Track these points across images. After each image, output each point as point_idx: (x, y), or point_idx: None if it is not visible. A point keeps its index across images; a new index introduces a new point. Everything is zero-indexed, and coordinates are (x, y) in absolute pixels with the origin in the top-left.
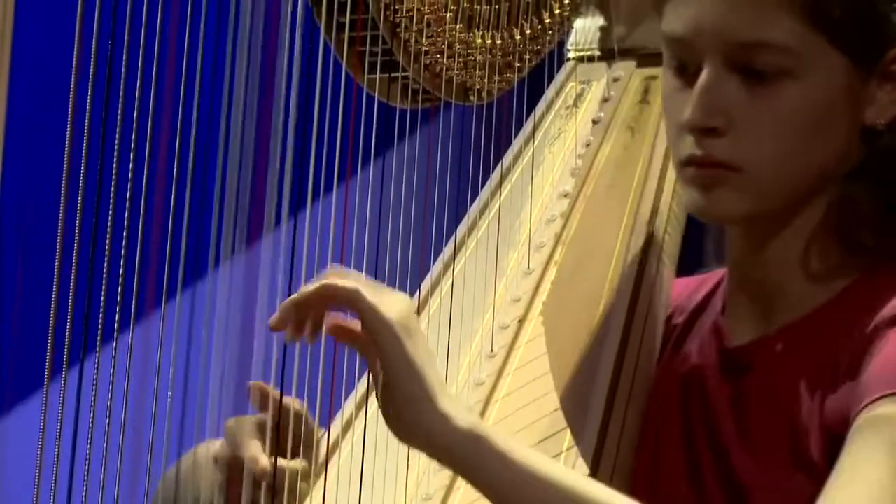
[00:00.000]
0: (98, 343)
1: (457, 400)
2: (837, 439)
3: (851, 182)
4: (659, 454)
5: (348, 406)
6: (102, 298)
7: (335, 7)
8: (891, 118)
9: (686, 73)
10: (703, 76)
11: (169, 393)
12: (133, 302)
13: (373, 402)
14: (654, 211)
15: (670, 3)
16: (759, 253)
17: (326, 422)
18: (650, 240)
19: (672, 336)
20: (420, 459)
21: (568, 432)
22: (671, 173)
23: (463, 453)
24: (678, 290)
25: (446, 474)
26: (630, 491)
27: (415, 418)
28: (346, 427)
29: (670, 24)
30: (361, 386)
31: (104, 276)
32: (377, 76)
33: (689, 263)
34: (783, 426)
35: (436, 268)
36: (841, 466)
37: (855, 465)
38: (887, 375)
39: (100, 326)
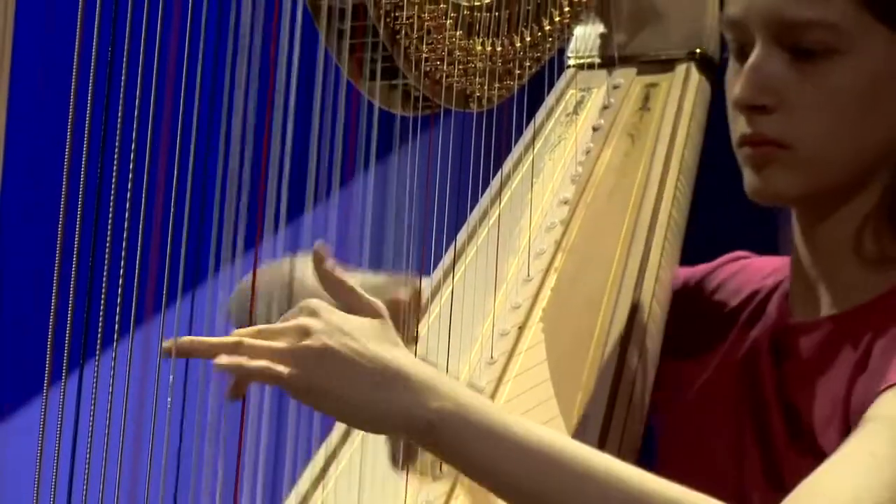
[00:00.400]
0: (98, 347)
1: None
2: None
3: None
4: (704, 428)
5: None
6: (102, 303)
7: (335, 14)
8: None
9: (743, 56)
10: (753, 54)
11: (169, 399)
12: (133, 306)
13: None
14: (655, 217)
15: None
16: (815, 237)
17: (326, 430)
18: (650, 246)
19: (743, 316)
20: (420, 467)
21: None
22: (671, 180)
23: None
24: (759, 269)
25: (446, 482)
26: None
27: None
28: (346, 435)
29: (728, 9)
30: None
31: (104, 280)
32: (377, 83)
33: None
34: (816, 413)
35: (436, 275)
36: (843, 446)
37: (856, 443)
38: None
39: (100, 331)
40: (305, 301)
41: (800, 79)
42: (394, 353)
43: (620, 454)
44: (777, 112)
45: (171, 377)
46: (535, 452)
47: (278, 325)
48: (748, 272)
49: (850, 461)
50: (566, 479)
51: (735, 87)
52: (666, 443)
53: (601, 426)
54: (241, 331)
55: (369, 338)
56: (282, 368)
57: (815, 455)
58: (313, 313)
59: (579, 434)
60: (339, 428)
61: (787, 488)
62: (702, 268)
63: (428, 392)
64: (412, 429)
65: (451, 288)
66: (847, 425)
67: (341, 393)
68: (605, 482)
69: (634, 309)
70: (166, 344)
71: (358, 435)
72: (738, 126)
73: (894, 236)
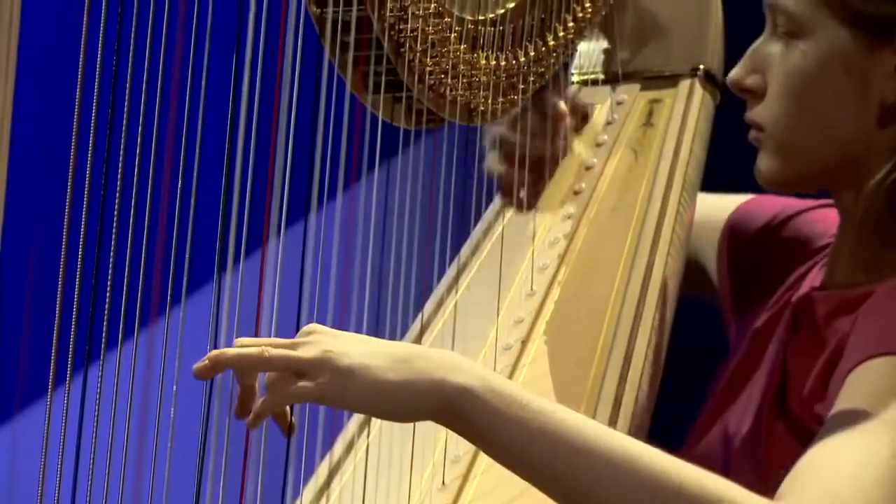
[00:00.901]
0: (102, 351)
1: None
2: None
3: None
4: (726, 399)
5: (351, 427)
6: (107, 307)
7: (339, 26)
8: None
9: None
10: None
11: (172, 409)
12: (137, 310)
13: (375, 422)
14: (658, 232)
15: None
16: (840, 213)
17: (329, 442)
18: (653, 261)
19: (795, 274)
20: (423, 479)
21: None
22: (674, 195)
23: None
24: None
25: (449, 493)
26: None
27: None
28: (349, 448)
29: None
30: None
31: (108, 284)
32: (381, 96)
33: None
34: (806, 390)
35: (439, 289)
36: (831, 417)
37: (842, 413)
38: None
39: (104, 334)
40: (305, 327)
41: (774, 62)
42: (403, 344)
43: None
44: (760, 95)
45: (174, 387)
46: (563, 435)
47: (287, 340)
48: (826, 224)
49: (846, 437)
50: (595, 464)
51: None
52: (702, 413)
53: None
54: (247, 340)
55: (373, 339)
56: (307, 383)
57: (796, 434)
58: (313, 332)
59: None
60: (341, 442)
61: (764, 465)
62: (797, 204)
63: (450, 368)
64: (438, 406)
65: (454, 302)
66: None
67: (365, 385)
68: (632, 470)
69: (637, 324)
70: (197, 366)
71: (361, 448)
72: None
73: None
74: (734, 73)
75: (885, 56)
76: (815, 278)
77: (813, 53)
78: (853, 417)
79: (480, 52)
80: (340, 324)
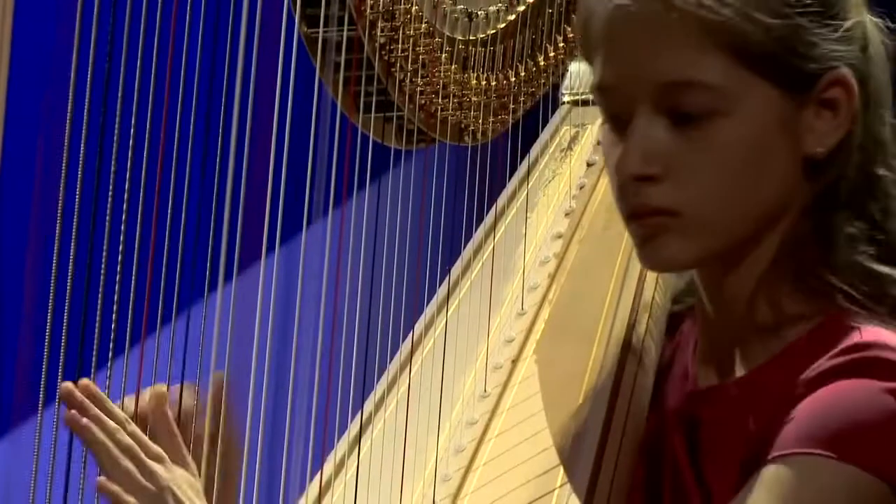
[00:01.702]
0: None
1: None
2: None
3: (801, 221)
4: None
5: (341, 446)
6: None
7: (331, 47)
8: (831, 146)
9: (620, 125)
10: (634, 123)
11: None
12: (128, 327)
13: (366, 441)
14: None
15: (597, 56)
16: (714, 298)
17: (320, 461)
18: (644, 280)
19: (677, 369)
20: (413, 497)
21: (561, 469)
22: None
23: None
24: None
25: None
26: None
27: None
28: (339, 466)
29: (599, 76)
30: (354, 426)
31: (99, 292)
32: (372, 115)
33: None
34: (727, 483)
35: (430, 308)
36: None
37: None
38: (793, 435)
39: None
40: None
41: (684, 143)
42: None
43: (613, 484)
44: (665, 180)
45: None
46: None
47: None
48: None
49: None
50: None
51: (618, 158)
52: None
53: (595, 457)
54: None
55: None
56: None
57: None
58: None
59: (571, 466)
60: (331, 461)
61: None
62: None
63: None
64: None
65: (444, 321)
66: None
67: None
68: None
69: (628, 343)
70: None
71: (351, 467)
72: (626, 198)
73: (794, 296)
74: (631, 167)
75: (809, 109)
76: (688, 375)
77: (748, 127)
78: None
79: (471, 72)
80: (331, 341)
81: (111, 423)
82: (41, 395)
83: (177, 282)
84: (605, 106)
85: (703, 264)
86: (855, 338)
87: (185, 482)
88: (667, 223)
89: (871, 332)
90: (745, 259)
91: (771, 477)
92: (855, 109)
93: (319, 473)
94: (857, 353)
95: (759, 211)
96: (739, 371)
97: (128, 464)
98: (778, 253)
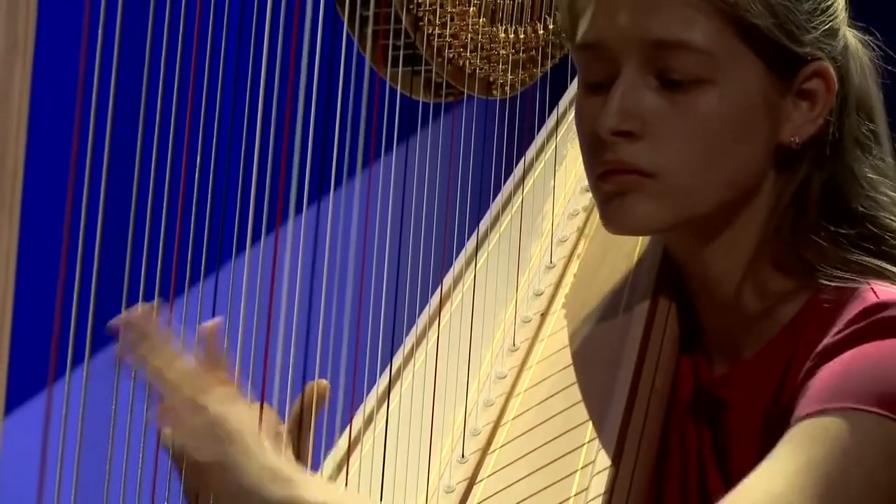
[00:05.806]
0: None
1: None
2: None
3: (776, 210)
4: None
5: (370, 400)
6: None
7: (358, 1)
8: (805, 138)
9: (601, 89)
10: (621, 80)
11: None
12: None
13: (395, 396)
14: None
15: (583, 15)
16: (696, 276)
17: (349, 416)
18: None
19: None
20: (442, 452)
21: (590, 425)
22: None
23: None
24: None
25: (468, 467)
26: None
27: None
28: (368, 421)
29: (586, 34)
30: (383, 380)
31: (126, 254)
32: (399, 69)
33: None
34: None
35: (458, 262)
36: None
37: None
38: (816, 395)
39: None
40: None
41: (667, 105)
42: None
43: (642, 440)
44: (643, 139)
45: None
46: None
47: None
48: None
49: (776, 467)
50: None
51: (596, 117)
52: None
53: (623, 412)
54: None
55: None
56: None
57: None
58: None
59: (601, 420)
60: (360, 415)
61: None
62: None
63: None
64: None
65: (473, 275)
66: None
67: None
68: None
69: (657, 293)
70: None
71: (380, 422)
72: (600, 154)
73: (772, 272)
74: (609, 121)
75: (788, 99)
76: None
77: (733, 96)
78: (791, 460)
79: (499, 25)
80: (360, 298)
81: (168, 352)
82: (69, 358)
83: (205, 242)
84: (589, 66)
85: (665, 231)
86: (870, 299)
87: (243, 418)
88: (639, 183)
89: (883, 291)
90: (720, 237)
91: (805, 430)
92: (832, 105)
93: (349, 428)
94: (877, 314)
95: (726, 187)
96: (747, 353)
97: (184, 393)
98: (756, 237)
